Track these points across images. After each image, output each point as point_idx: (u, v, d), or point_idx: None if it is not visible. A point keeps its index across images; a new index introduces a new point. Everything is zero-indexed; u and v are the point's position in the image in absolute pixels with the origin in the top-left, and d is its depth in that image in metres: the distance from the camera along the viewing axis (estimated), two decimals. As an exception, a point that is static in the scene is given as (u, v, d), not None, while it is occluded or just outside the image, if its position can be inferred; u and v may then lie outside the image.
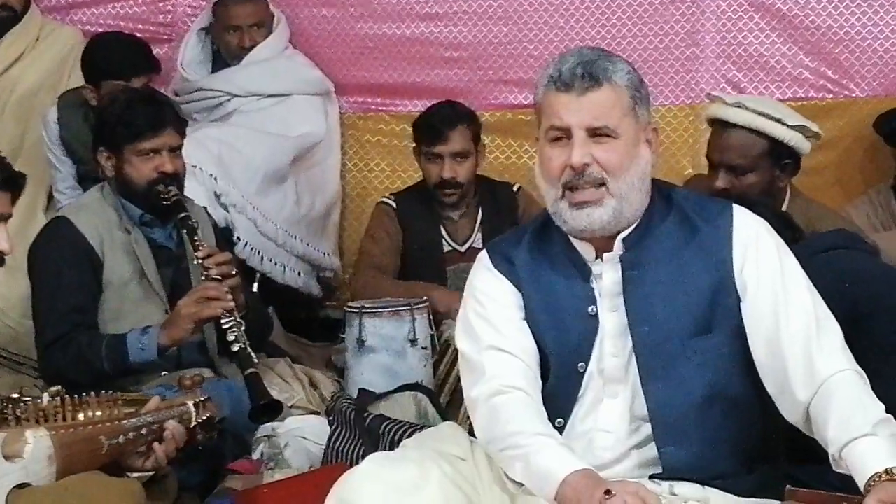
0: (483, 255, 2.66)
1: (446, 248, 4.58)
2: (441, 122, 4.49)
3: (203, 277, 3.59)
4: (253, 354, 3.51)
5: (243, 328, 3.52)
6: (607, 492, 2.19)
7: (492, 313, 2.57)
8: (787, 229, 2.99)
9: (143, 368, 3.58)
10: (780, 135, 3.84)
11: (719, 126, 3.90)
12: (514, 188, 4.68)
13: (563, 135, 2.48)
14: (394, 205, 4.62)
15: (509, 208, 4.59)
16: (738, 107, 3.88)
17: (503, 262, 2.61)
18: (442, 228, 4.58)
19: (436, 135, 4.48)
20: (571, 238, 2.56)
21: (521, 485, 2.42)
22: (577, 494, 2.24)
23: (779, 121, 3.85)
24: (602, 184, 2.46)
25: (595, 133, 2.46)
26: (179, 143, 3.74)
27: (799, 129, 3.88)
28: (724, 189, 3.78)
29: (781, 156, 3.88)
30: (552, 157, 2.49)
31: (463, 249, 4.56)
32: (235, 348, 3.50)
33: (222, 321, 3.52)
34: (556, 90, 2.48)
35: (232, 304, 3.53)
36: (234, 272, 3.64)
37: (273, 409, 3.47)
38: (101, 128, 3.74)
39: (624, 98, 2.47)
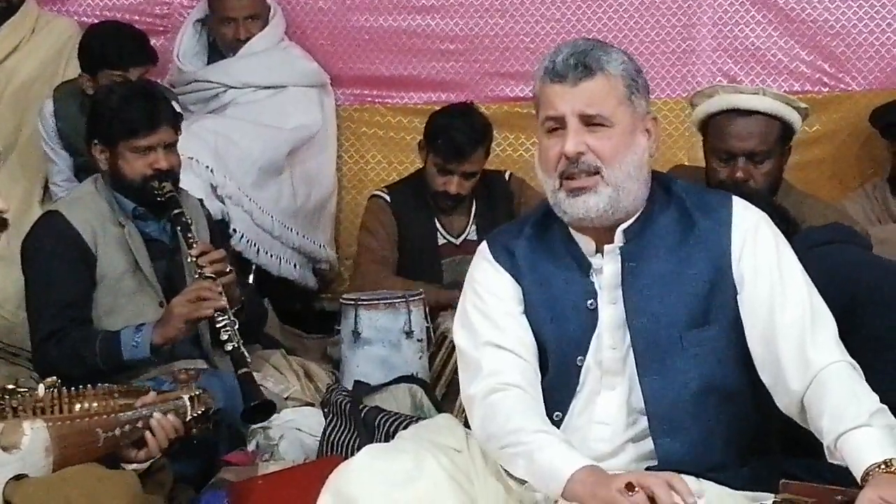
0: (483, 247, 2.66)
1: (441, 241, 4.57)
2: (464, 143, 4.38)
3: (197, 275, 3.58)
4: (246, 354, 3.49)
5: (237, 327, 3.50)
6: (629, 485, 2.19)
7: (491, 307, 2.57)
8: (783, 223, 3.00)
9: (136, 365, 3.56)
10: (792, 119, 3.86)
11: (732, 115, 3.88)
12: (506, 175, 4.67)
13: (558, 124, 2.48)
14: (387, 198, 4.60)
15: (504, 198, 4.58)
16: (757, 94, 3.89)
17: (503, 254, 2.61)
18: (436, 222, 4.58)
19: (455, 155, 4.40)
20: (572, 231, 2.57)
21: (523, 482, 2.41)
22: (590, 489, 2.24)
23: (790, 105, 3.88)
24: (597, 172, 2.47)
25: (589, 122, 2.46)
26: (174, 140, 3.72)
27: (804, 112, 3.92)
28: (743, 180, 3.78)
29: (786, 140, 3.90)
30: (548, 147, 2.50)
31: (458, 242, 4.56)
32: (229, 347, 3.47)
33: (216, 320, 3.51)
34: (550, 81, 2.49)
35: (224, 303, 3.51)
36: (227, 269, 3.62)
37: (265, 410, 3.46)
38: (95, 121, 3.72)
39: (618, 87, 2.48)
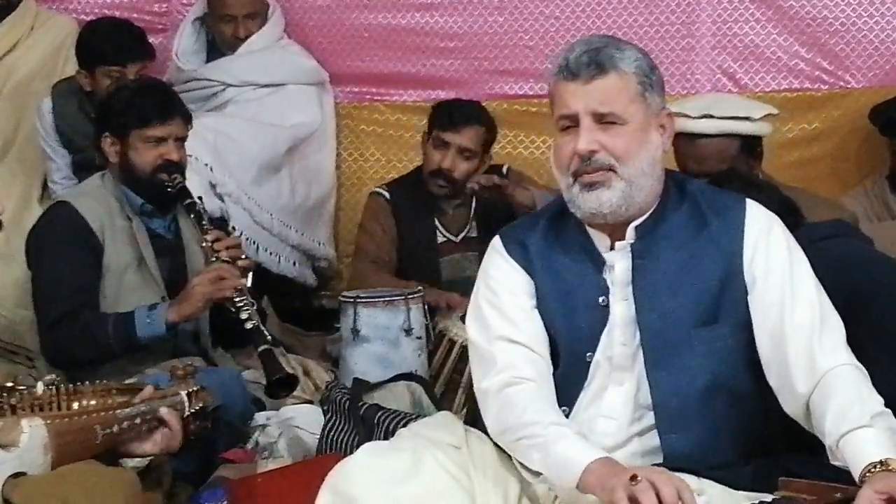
0: (496, 241, 2.66)
1: (441, 239, 4.57)
2: (462, 112, 4.49)
3: (213, 260, 3.58)
4: (265, 332, 3.52)
5: (255, 308, 3.53)
6: (633, 477, 2.19)
7: (503, 302, 2.57)
8: (790, 215, 3.01)
9: (151, 344, 3.57)
10: (750, 130, 3.85)
11: (685, 138, 3.85)
12: (504, 170, 4.66)
13: (571, 123, 2.49)
14: (387, 195, 4.60)
15: (503, 194, 4.57)
16: (706, 117, 3.86)
17: (516, 248, 2.61)
18: (436, 219, 4.58)
19: (451, 122, 4.46)
20: (587, 227, 2.57)
21: (538, 474, 2.41)
22: (601, 481, 2.25)
23: (747, 118, 3.86)
24: (610, 168, 2.48)
25: (602, 119, 2.47)
26: (185, 135, 3.74)
27: (765, 118, 3.90)
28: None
29: (753, 147, 3.89)
30: (562, 145, 2.52)
31: (457, 240, 4.56)
32: (249, 326, 3.50)
33: (235, 299, 3.52)
34: (563, 79, 2.50)
35: (243, 282, 3.54)
36: (243, 255, 3.65)
37: (289, 384, 3.50)
38: (107, 113, 3.74)
39: (631, 84, 2.48)
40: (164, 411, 2.74)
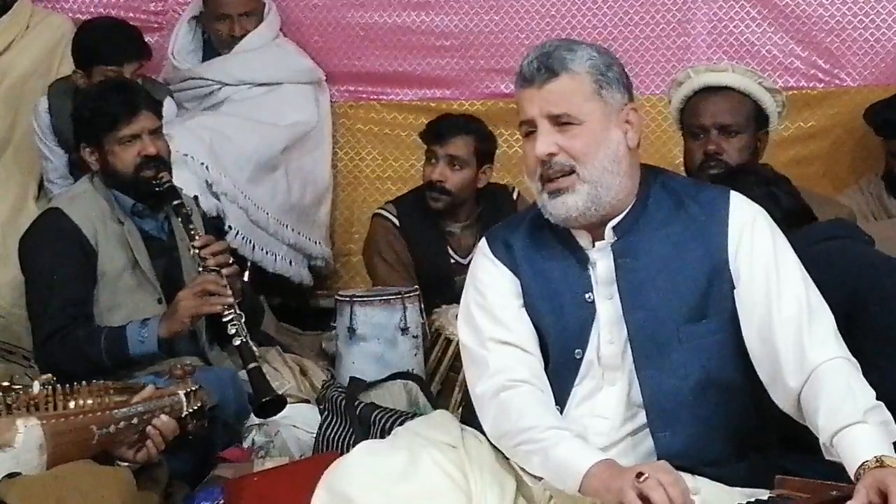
0: (482, 243, 2.67)
1: (451, 261, 4.54)
2: (448, 123, 4.49)
3: (200, 269, 3.57)
4: (255, 349, 3.50)
5: (244, 321, 3.50)
6: (639, 475, 2.20)
7: (492, 304, 2.58)
8: (794, 210, 3.01)
9: (142, 360, 3.56)
10: (764, 99, 3.88)
11: (704, 93, 3.91)
12: (513, 192, 4.64)
13: (531, 128, 2.51)
14: (395, 220, 4.55)
15: (511, 214, 4.47)
16: (727, 70, 3.94)
17: (501, 248, 2.61)
18: (447, 242, 4.54)
19: (436, 134, 4.46)
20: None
21: (539, 478, 2.42)
22: (605, 484, 2.25)
23: (760, 84, 3.91)
24: (572, 171, 2.48)
25: (558, 121, 2.47)
26: (157, 125, 3.70)
27: (778, 96, 3.92)
28: (715, 153, 3.80)
29: (761, 124, 3.91)
30: (527, 151, 2.53)
31: (465, 262, 4.48)
32: (237, 342, 3.48)
33: (223, 314, 3.51)
34: (520, 86, 2.52)
35: (231, 299, 3.51)
36: (230, 261, 3.62)
37: (277, 405, 3.48)
38: (78, 124, 3.72)
39: (585, 84, 2.48)
40: (157, 422, 2.74)
